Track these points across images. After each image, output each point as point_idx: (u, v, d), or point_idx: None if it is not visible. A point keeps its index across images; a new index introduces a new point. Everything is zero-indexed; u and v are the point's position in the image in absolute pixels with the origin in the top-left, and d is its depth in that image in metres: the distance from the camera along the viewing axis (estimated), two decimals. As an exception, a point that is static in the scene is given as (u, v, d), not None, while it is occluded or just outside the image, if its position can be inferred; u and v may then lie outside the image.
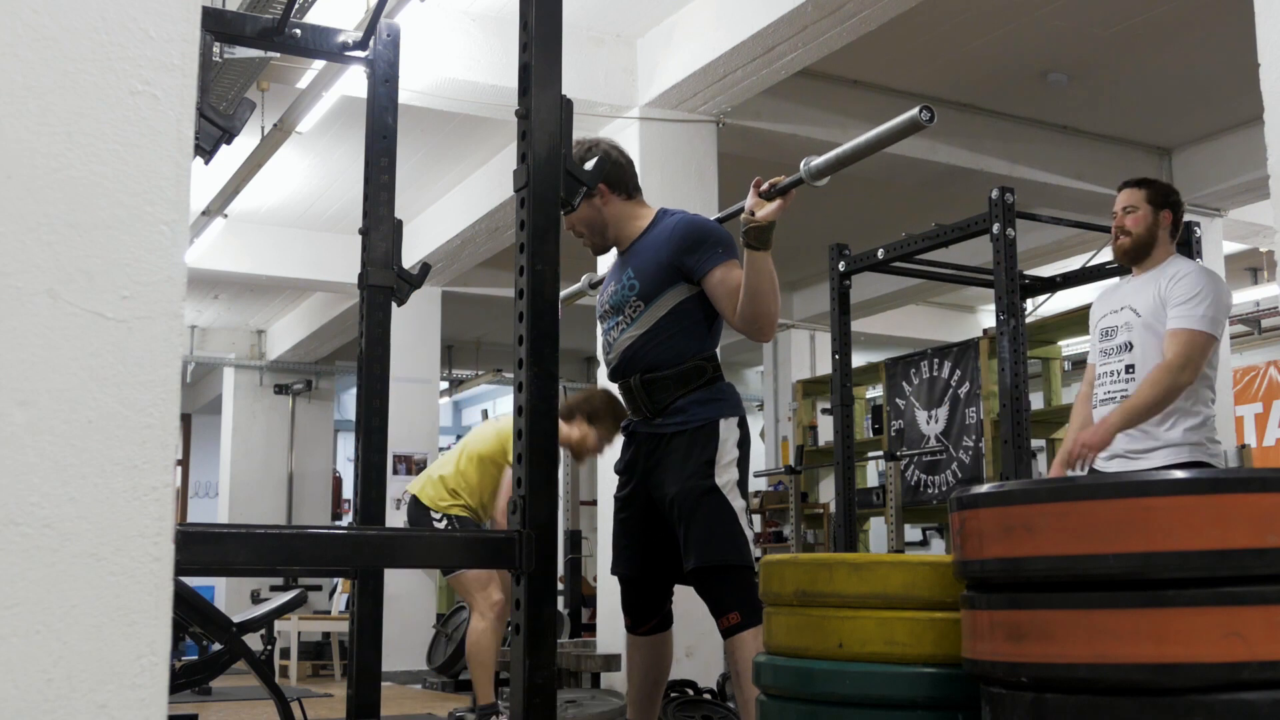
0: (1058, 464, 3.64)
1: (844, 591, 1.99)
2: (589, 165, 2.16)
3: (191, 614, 3.37)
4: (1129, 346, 3.72)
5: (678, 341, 3.12)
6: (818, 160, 2.82)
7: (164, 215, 1.24)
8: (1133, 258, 3.80)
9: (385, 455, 3.02)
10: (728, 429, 3.09)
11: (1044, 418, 6.99)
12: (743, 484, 3.13)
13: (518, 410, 2.05)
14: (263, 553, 1.87)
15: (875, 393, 9.42)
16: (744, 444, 3.15)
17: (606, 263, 3.73)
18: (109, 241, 1.21)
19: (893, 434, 8.33)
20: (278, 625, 8.01)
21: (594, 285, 3.65)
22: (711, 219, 3.30)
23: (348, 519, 12.58)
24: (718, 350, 3.24)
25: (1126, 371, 3.72)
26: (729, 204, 5.92)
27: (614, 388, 3.30)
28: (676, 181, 5.79)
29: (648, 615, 3.26)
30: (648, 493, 3.14)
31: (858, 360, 8.12)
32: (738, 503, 3.06)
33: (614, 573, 3.32)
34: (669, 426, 3.10)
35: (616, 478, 3.36)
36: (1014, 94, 6.48)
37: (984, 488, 1.71)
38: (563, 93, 2.11)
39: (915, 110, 2.47)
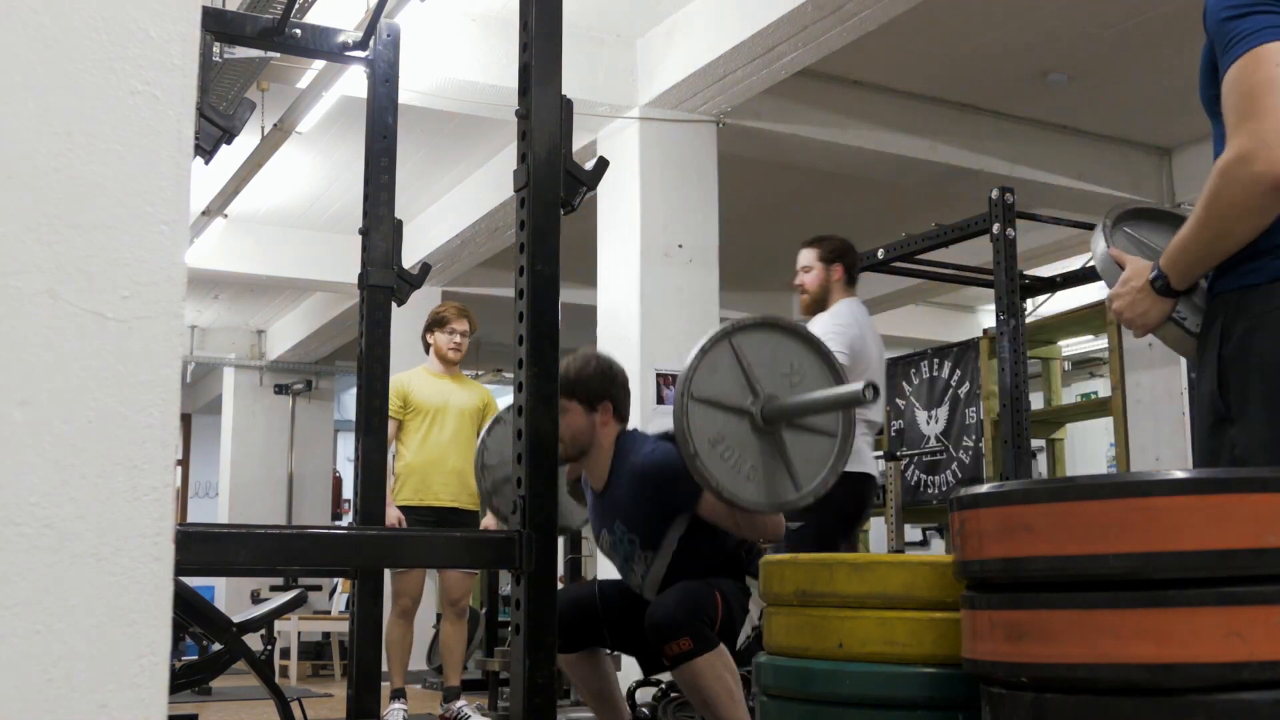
0: None
1: (844, 591, 1.99)
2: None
3: (191, 614, 3.37)
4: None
5: (704, 553, 3.10)
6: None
7: (164, 215, 1.24)
8: (812, 310, 4.30)
9: (385, 455, 3.02)
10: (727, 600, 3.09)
11: (1044, 418, 6.99)
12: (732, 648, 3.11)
13: (518, 410, 2.05)
14: (263, 553, 1.87)
15: (875, 393, 9.39)
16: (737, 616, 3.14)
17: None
18: (109, 241, 1.21)
19: (893, 434, 8.33)
20: (278, 625, 8.01)
21: (571, 488, 3.57)
22: (660, 450, 3.12)
23: (348, 519, 12.58)
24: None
25: None
26: (728, 204, 5.94)
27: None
28: (676, 181, 5.79)
29: (583, 644, 3.25)
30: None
31: (858, 360, 8.11)
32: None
33: (599, 585, 3.33)
34: None
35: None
36: (1014, 94, 6.48)
37: (984, 488, 1.71)
38: (563, 93, 2.11)
39: (859, 386, 2.47)
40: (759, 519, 2.96)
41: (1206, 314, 1.89)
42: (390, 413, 5.28)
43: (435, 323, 5.37)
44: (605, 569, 5.40)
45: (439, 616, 8.36)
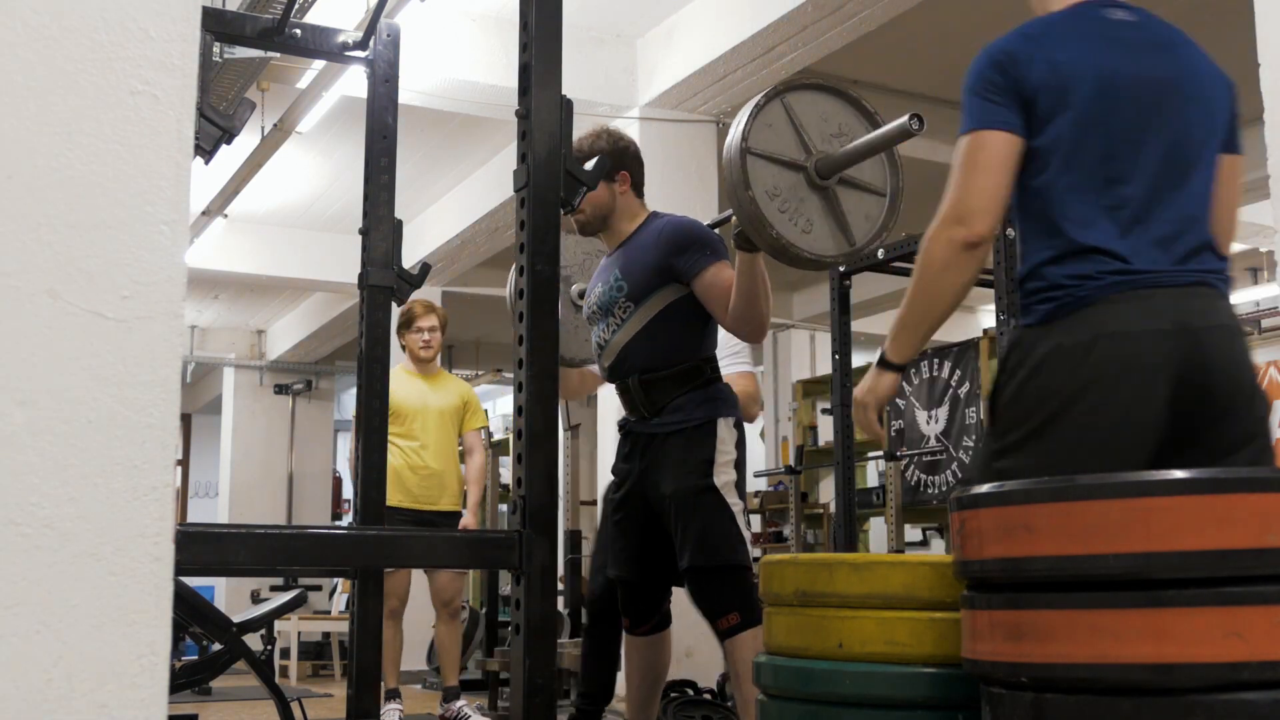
0: None
1: (844, 591, 1.98)
2: (589, 166, 2.15)
3: (191, 614, 3.37)
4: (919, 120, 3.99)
5: (673, 342, 3.11)
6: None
7: (164, 215, 1.24)
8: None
9: (385, 455, 3.02)
10: (725, 429, 3.08)
11: (1044, 418, 6.97)
12: (740, 484, 3.11)
13: (518, 410, 2.05)
14: (263, 553, 1.87)
15: (875, 393, 9.39)
16: (741, 444, 3.14)
17: (588, 264, 3.71)
18: (109, 241, 1.21)
19: (893, 434, 8.33)
20: (278, 625, 8.00)
21: (582, 295, 3.63)
22: (692, 219, 3.29)
23: (348, 519, 12.58)
24: (714, 352, 3.23)
25: None
26: (729, 204, 5.94)
27: (611, 389, 3.30)
28: (676, 181, 5.79)
29: (646, 616, 3.26)
30: (644, 493, 3.13)
31: (858, 360, 8.11)
32: (735, 504, 3.04)
33: (610, 574, 3.31)
34: (666, 426, 3.08)
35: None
36: (1014, 94, 6.48)
37: (984, 488, 1.71)
38: (563, 93, 2.11)
39: (905, 118, 2.49)
40: (757, 306, 2.97)
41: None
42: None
43: (403, 324, 5.28)
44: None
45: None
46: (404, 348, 5.38)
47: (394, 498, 5.11)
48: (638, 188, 3.31)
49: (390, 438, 5.25)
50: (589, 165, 2.15)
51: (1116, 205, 2.02)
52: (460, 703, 5.24)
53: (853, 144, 2.66)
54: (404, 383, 5.23)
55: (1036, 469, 1.90)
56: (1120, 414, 1.93)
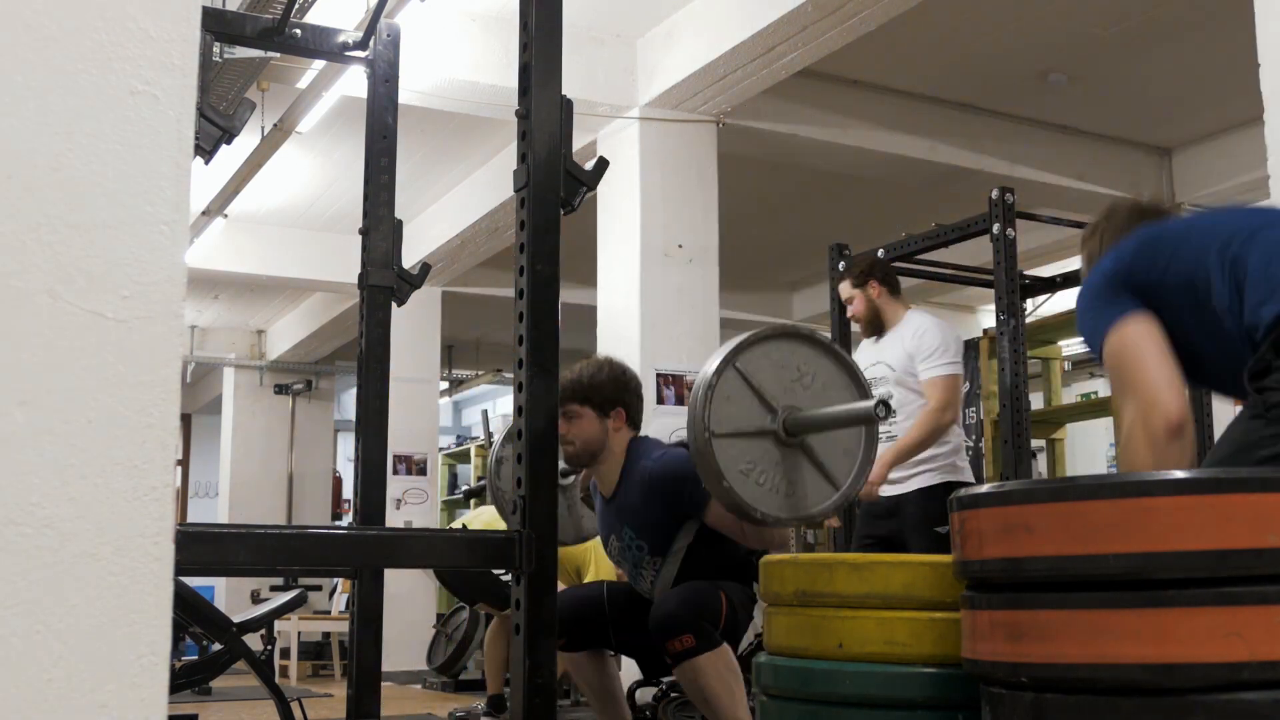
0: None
1: (844, 591, 1.99)
2: (589, 166, 2.15)
3: (191, 614, 3.37)
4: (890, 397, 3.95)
5: (714, 556, 3.10)
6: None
7: (164, 215, 1.24)
8: (872, 331, 4.31)
9: (385, 455, 3.02)
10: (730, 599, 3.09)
11: (1044, 418, 6.98)
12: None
13: (518, 410, 2.05)
14: (263, 553, 1.87)
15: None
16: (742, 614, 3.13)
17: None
18: (109, 241, 1.21)
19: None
20: (278, 625, 8.00)
21: (564, 474, 3.53)
22: (670, 456, 3.13)
23: (348, 519, 12.58)
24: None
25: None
26: (728, 204, 5.94)
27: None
28: (676, 181, 5.79)
29: (586, 644, 3.25)
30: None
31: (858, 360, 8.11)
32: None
33: (595, 584, 3.33)
34: None
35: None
36: (1014, 94, 6.48)
37: (984, 488, 1.71)
38: (563, 93, 2.11)
39: (872, 404, 2.40)
40: (767, 530, 2.94)
41: None
42: None
43: None
44: (605, 571, 5.39)
45: (439, 617, 8.37)
46: None
47: None
48: (633, 424, 3.22)
49: None
50: (589, 165, 2.15)
51: None
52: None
53: (818, 413, 2.53)
54: None
55: None
56: None
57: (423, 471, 9.07)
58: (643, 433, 3.32)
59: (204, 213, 7.52)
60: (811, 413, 2.49)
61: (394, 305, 3.00)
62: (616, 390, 3.17)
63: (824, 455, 2.57)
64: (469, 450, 11.17)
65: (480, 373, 12.35)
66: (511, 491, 2.05)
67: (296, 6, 3.11)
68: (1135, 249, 2.13)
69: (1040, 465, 8.34)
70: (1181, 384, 1.98)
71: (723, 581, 3.05)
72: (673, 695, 4.45)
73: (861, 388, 2.52)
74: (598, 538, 3.46)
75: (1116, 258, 2.14)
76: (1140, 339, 2.00)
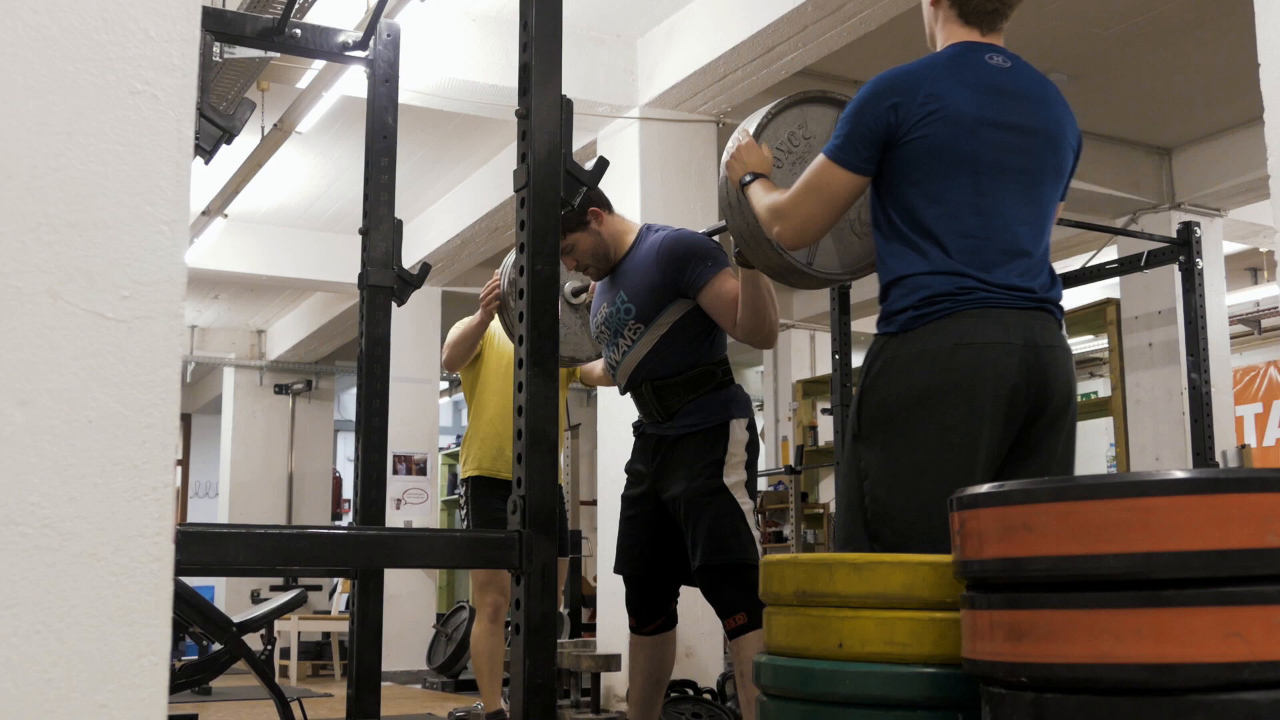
0: None
1: (844, 591, 1.98)
2: (589, 166, 2.16)
3: (191, 614, 3.37)
4: None
5: (684, 351, 3.14)
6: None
7: (164, 215, 1.24)
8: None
9: (385, 455, 3.02)
10: (737, 430, 3.11)
11: (1044, 418, 6.99)
12: (750, 485, 3.13)
13: (518, 410, 2.05)
14: (263, 553, 1.87)
15: (875, 393, 9.39)
16: (752, 446, 3.17)
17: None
18: (109, 241, 1.21)
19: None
20: (278, 625, 8.01)
21: (576, 293, 3.63)
22: (685, 231, 3.30)
23: (348, 519, 12.58)
24: (725, 354, 3.25)
25: None
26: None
27: (627, 398, 3.31)
28: (676, 181, 5.79)
29: (653, 615, 3.26)
30: (657, 494, 3.15)
31: (857, 360, 8.13)
32: (745, 503, 3.07)
33: (618, 571, 3.32)
34: (679, 429, 3.12)
35: (618, 477, 3.36)
36: (1014, 94, 6.47)
37: (984, 488, 1.71)
38: (563, 93, 2.11)
39: None
40: (765, 316, 3.01)
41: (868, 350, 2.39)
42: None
43: None
44: (605, 569, 5.39)
45: (439, 617, 8.38)
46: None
47: (495, 466, 4.47)
48: (609, 207, 3.30)
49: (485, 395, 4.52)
50: (589, 165, 2.15)
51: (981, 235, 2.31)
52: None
53: None
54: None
55: (881, 458, 2.33)
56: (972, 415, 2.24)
57: (423, 471, 9.07)
58: (635, 419, 3.33)
59: (204, 213, 7.52)
60: None
61: (394, 305, 3.00)
62: (577, 209, 3.21)
63: (842, 226, 2.75)
64: (469, 450, 11.16)
65: (480, 372, 12.33)
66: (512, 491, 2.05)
67: (296, 6, 3.11)
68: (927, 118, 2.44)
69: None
70: (820, 225, 2.42)
71: (728, 512, 3.02)
72: (672, 695, 4.45)
73: None
74: None
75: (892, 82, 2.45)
76: (829, 179, 2.38)
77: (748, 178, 2.58)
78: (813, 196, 2.37)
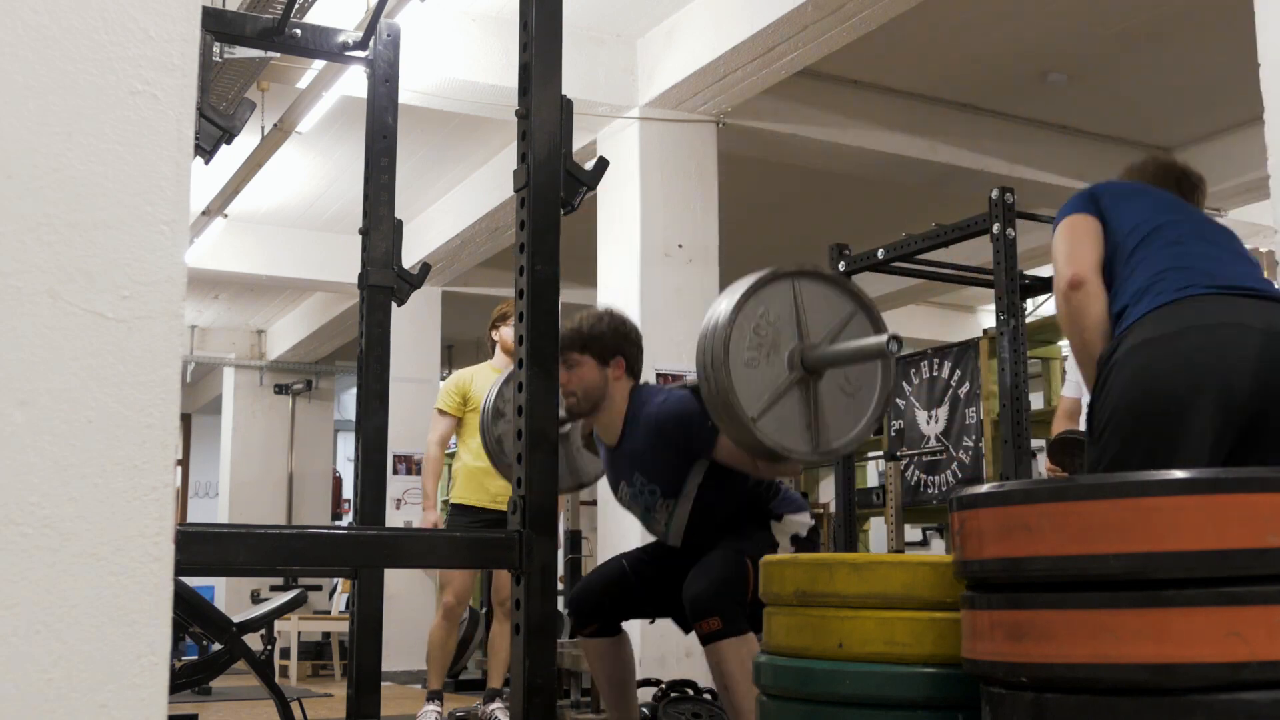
0: None
1: (844, 591, 1.98)
2: (589, 166, 2.15)
3: (191, 614, 3.37)
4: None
5: (727, 494, 3.13)
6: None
7: (164, 215, 1.24)
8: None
9: (385, 455, 3.02)
10: (784, 529, 3.13)
11: (1044, 418, 6.98)
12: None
13: (518, 410, 2.05)
14: (263, 553, 1.87)
15: (875, 393, 9.40)
16: (804, 541, 3.15)
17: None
18: (109, 241, 1.21)
19: (893, 434, 8.32)
20: (278, 625, 8.00)
21: (585, 442, 3.56)
22: (675, 398, 3.15)
23: (348, 519, 12.58)
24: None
25: None
26: (728, 204, 5.94)
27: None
28: (676, 181, 5.79)
29: (596, 616, 3.26)
30: (676, 573, 3.12)
31: (858, 360, 8.12)
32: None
33: (618, 559, 3.32)
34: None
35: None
36: (1014, 94, 6.48)
37: (984, 488, 1.71)
38: (563, 93, 2.11)
39: (884, 339, 2.45)
40: (778, 469, 3.01)
41: None
42: (449, 409, 5.20)
43: (500, 318, 5.21)
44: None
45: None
46: (493, 345, 5.26)
47: (475, 497, 5.10)
48: (633, 374, 3.24)
49: (473, 435, 5.02)
50: (589, 165, 2.15)
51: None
52: (495, 705, 5.19)
53: (836, 349, 2.55)
54: (490, 379, 4.75)
55: (1094, 462, 2.35)
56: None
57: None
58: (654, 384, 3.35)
59: (204, 213, 7.52)
60: (829, 348, 2.54)
61: (394, 305, 3.00)
62: (616, 339, 3.20)
63: (832, 394, 2.64)
64: (469, 450, 11.17)
65: (480, 372, 12.34)
66: (512, 490, 2.05)
67: (296, 6, 3.11)
68: (1119, 187, 2.67)
69: (1040, 465, 8.33)
70: (1088, 256, 2.47)
71: (745, 539, 3.04)
72: (672, 695, 4.45)
73: (874, 322, 2.60)
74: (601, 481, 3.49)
75: (1107, 185, 2.67)
76: (1074, 225, 2.54)
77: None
78: (1058, 242, 2.56)
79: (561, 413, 3.22)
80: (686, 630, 3.31)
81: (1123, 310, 2.35)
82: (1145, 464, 2.14)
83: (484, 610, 5.84)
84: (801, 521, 3.17)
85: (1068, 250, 2.48)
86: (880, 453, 8.15)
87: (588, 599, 3.27)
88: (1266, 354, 2.18)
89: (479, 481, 5.06)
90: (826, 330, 2.59)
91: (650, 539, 3.38)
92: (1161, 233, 2.43)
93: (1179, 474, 1.58)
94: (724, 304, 2.55)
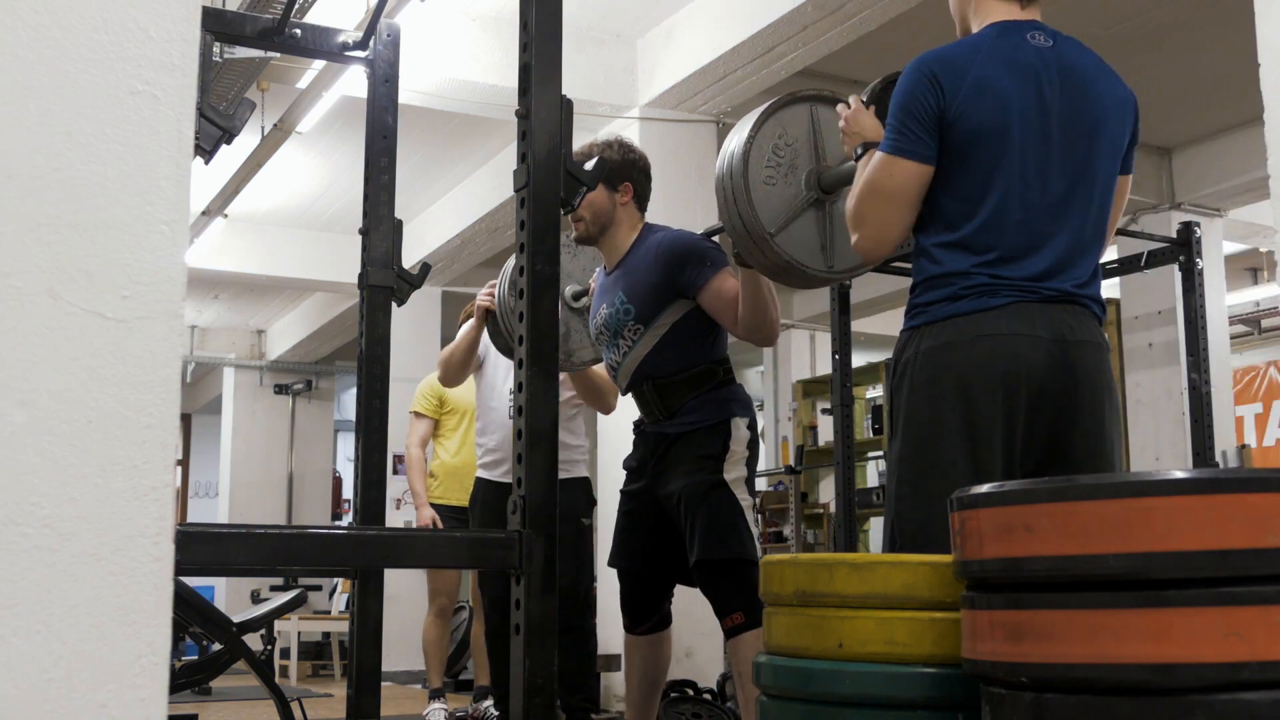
0: None
1: (844, 591, 1.98)
2: (589, 166, 2.15)
3: (191, 614, 3.37)
4: None
5: (685, 350, 3.15)
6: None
7: (164, 215, 1.24)
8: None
9: (385, 455, 3.02)
10: (738, 428, 3.12)
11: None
12: (749, 481, 3.14)
13: (518, 410, 2.05)
14: (263, 553, 1.87)
15: (875, 393, 9.41)
16: (753, 445, 3.17)
17: (582, 261, 3.72)
18: (109, 241, 1.21)
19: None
20: (278, 625, 8.00)
21: (576, 297, 3.64)
22: (685, 232, 3.30)
23: (348, 519, 12.58)
24: (726, 353, 3.25)
25: None
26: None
27: (628, 398, 3.32)
28: (676, 181, 5.79)
29: (646, 614, 3.26)
30: (655, 490, 3.15)
31: (858, 360, 8.13)
32: (744, 499, 3.07)
33: (612, 564, 3.32)
34: (680, 426, 3.12)
35: (618, 475, 3.36)
36: (1014, 94, 6.47)
37: (984, 488, 1.71)
38: (563, 93, 2.11)
39: None
40: (766, 314, 3.01)
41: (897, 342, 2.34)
42: (426, 412, 5.31)
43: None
44: (604, 568, 5.39)
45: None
46: None
47: (453, 495, 5.19)
48: (640, 201, 3.32)
49: (450, 436, 5.21)
50: (589, 165, 2.15)
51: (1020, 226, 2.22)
52: (488, 702, 5.23)
53: (848, 167, 2.66)
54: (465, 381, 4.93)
55: (900, 454, 2.34)
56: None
57: (423, 471, 9.06)
58: (635, 418, 3.34)
59: (204, 213, 7.52)
60: (844, 167, 2.64)
61: (394, 305, 3.00)
62: (625, 165, 3.26)
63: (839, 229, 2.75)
64: (469, 450, 11.17)
65: (480, 373, 12.33)
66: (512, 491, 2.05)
67: (296, 6, 3.11)
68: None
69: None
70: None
71: (729, 513, 3.03)
72: (672, 695, 4.45)
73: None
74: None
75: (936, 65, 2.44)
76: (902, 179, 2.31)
77: (860, 150, 2.38)
78: (881, 200, 2.26)
79: (570, 236, 3.36)
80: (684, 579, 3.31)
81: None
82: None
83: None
84: (749, 427, 3.17)
85: (880, 212, 2.31)
86: (880, 453, 8.16)
87: (633, 598, 3.28)
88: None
89: (460, 480, 5.13)
90: (841, 154, 2.66)
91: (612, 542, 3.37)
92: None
93: (1179, 474, 1.58)
94: (744, 126, 2.68)
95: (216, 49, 3.68)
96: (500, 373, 4.63)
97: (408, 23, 4.21)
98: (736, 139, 2.70)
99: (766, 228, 2.64)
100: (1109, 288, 7.92)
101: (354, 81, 5.32)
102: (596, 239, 3.30)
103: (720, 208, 2.76)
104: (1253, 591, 1.49)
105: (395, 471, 8.79)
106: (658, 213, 5.69)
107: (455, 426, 5.32)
